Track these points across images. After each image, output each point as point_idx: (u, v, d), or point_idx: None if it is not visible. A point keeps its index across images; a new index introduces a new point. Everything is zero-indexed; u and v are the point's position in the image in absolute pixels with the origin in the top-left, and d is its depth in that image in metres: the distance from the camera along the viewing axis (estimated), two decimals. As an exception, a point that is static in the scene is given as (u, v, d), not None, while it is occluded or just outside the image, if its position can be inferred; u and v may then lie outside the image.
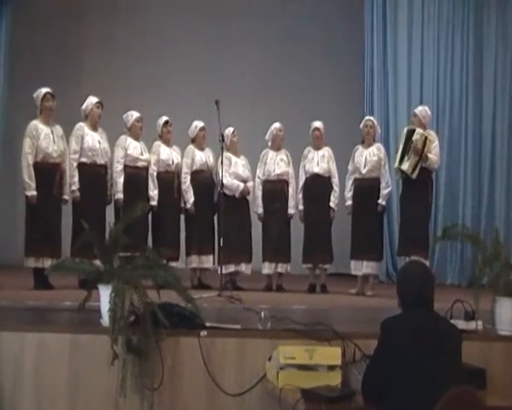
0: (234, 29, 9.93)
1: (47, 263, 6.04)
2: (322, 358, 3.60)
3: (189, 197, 6.97)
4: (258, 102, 9.77)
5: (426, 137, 6.66)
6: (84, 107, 6.65)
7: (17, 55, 8.95)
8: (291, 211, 7.15)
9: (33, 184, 6.21)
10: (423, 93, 8.98)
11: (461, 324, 3.88)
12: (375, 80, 8.98)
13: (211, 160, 7.17)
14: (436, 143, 6.84)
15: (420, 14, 9.07)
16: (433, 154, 6.73)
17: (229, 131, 7.12)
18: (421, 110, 7.00)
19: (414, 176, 6.65)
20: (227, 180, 6.87)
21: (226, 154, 6.95)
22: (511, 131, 8.87)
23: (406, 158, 6.66)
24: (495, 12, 8.98)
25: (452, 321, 3.58)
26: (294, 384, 3.41)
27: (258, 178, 7.20)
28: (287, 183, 7.18)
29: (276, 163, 7.17)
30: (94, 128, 6.65)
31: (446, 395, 2.79)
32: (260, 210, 7.17)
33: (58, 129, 6.45)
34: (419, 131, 6.67)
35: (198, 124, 7.18)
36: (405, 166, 6.66)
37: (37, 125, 6.31)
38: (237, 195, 7.03)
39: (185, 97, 9.32)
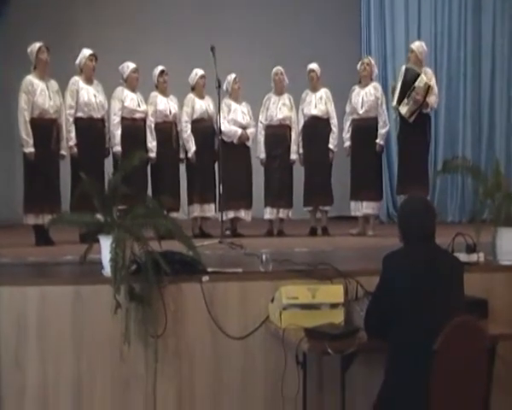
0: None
1: (47, 219, 5.98)
2: (324, 296, 3.61)
3: (191, 146, 6.92)
4: (256, 47, 9.61)
5: (429, 86, 6.56)
6: (77, 61, 6.55)
7: (11, 9, 8.79)
8: (293, 156, 7.12)
9: (31, 141, 6.14)
10: (421, 30, 8.88)
11: (462, 256, 3.88)
12: (371, 19, 8.88)
13: (211, 108, 7.09)
14: (433, 80, 6.76)
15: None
16: (433, 97, 6.66)
17: (230, 77, 7.05)
18: (418, 46, 6.90)
19: (411, 120, 6.61)
20: (225, 127, 6.81)
21: (226, 100, 6.89)
22: (510, 65, 8.76)
23: (405, 101, 6.58)
24: None
25: (454, 254, 3.57)
26: (297, 324, 3.43)
27: (261, 123, 7.15)
28: (289, 128, 7.12)
29: (279, 108, 7.11)
30: (89, 81, 6.56)
31: (449, 325, 2.81)
32: (262, 155, 7.14)
33: (53, 84, 6.35)
34: (423, 78, 6.57)
35: (198, 71, 7.08)
36: (403, 110, 6.61)
37: (32, 80, 6.20)
38: (235, 141, 6.98)
39: (181, 46, 9.21)
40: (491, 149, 8.71)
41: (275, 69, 7.21)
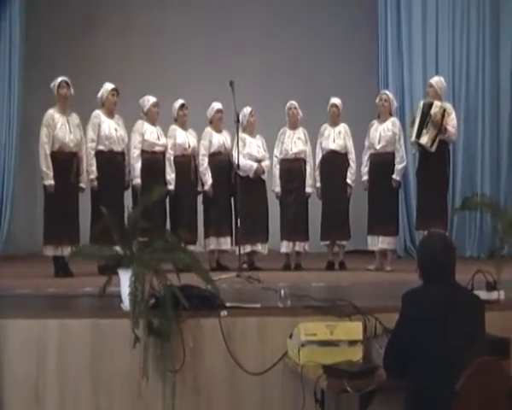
0: (247, 12, 9.86)
1: (66, 251, 6.11)
2: (343, 333, 3.59)
3: (207, 179, 6.97)
4: (273, 81, 9.70)
5: (444, 110, 6.59)
6: (99, 94, 6.66)
7: (33, 45, 8.99)
8: (308, 190, 7.13)
9: (51, 174, 6.25)
10: (439, 66, 8.85)
11: (483, 294, 3.83)
12: (389, 54, 8.88)
13: (228, 142, 7.15)
14: (453, 115, 6.78)
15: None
16: (451, 126, 6.67)
17: (246, 110, 7.10)
18: (438, 81, 6.90)
19: (433, 149, 6.59)
20: (241, 161, 6.85)
21: (241, 135, 6.92)
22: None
23: (425, 131, 6.59)
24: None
25: (474, 292, 3.54)
26: (316, 361, 3.41)
27: (276, 156, 7.18)
28: (304, 161, 7.15)
29: (294, 142, 7.15)
30: (110, 115, 6.66)
31: (471, 366, 2.77)
32: (278, 189, 7.16)
33: (74, 117, 6.47)
34: (437, 103, 6.60)
35: (215, 105, 7.15)
36: (424, 139, 6.59)
37: (53, 114, 6.33)
38: (251, 175, 7.02)
39: (200, 80, 9.29)
40: (510, 184, 8.64)
41: (289, 103, 7.26)
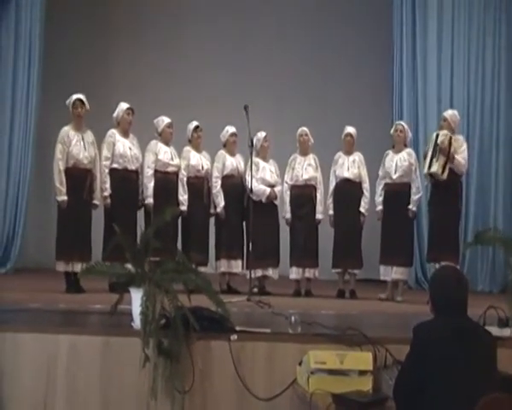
0: (260, 34, 9.96)
1: (77, 267, 6.16)
2: (353, 363, 3.58)
3: (220, 201, 7.00)
4: (286, 106, 9.77)
5: (451, 137, 6.62)
6: (115, 114, 6.73)
7: (50, 63, 9.09)
8: (319, 216, 7.14)
9: (64, 190, 6.31)
10: (453, 97, 8.89)
11: (494, 330, 3.80)
12: (404, 84, 8.92)
13: (241, 165, 7.19)
14: (464, 147, 6.79)
15: (450, 19, 8.97)
16: (461, 157, 6.69)
17: (261, 134, 7.15)
18: (452, 115, 6.94)
19: (444, 176, 6.60)
20: (254, 185, 6.87)
21: (255, 159, 6.94)
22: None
23: (435, 160, 6.62)
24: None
25: (485, 328, 3.52)
26: (325, 389, 3.40)
27: (286, 183, 7.21)
28: (314, 188, 7.17)
29: (304, 168, 7.17)
30: (125, 134, 6.72)
31: (481, 403, 2.75)
32: (288, 215, 7.18)
33: (89, 135, 6.54)
34: (443, 132, 6.63)
35: (229, 129, 7.21)
36: (435, 167, 6.62)
37: (68, 131, 6.41)
38: (264, 200, 7.04)
39: (215, 103, 9.37)
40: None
41: (300, 130, 7.30)
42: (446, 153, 6.56)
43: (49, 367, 3.72)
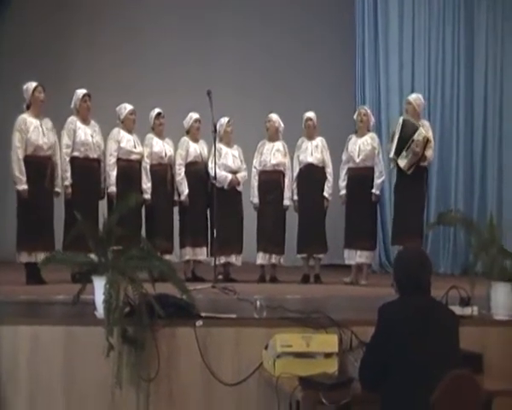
0: (223, 20, 9.89)
1: (40, 257, 5.96)
2: (318, 345, 3.59)
3: (184, 189, 6.94)
4: (251, 92, 9.72)
5: (427, 140, 6.64)
6: (72, 104, 6.59)
7: (6, 53, 8.88)
8: (286, 202, 7.14)
9: (24, 178, 6.15)
10: (415, 82, 8.99)
11: (457, 310, 3.84)
12: (366, 69, 8.98)
13: (205, 151, 7.14)
14: (430, 133, 6.83)
15: (411, 7, 9.05)
16: (430, 153, 6.74)
17: (224, 120, 7.10)
18: (416, 98, 6.98)
19: (409, 172, 6.65)
20: (217, 172, 6.83)
21: (218, 145, 6.88)
22: (502, 119, 8.89)
23: (404, 154, 6.63)
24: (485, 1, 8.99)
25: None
26: (291, 372, 3.40)
27: (255, 168, 7.19)
28: (283, 173, 7.16)
29: (273, 153, 7.16)
30: (86, 121, 6.60)
31: (445, 379, 2.80)
32: (256, 200, 7.16)
33: (47, 122, 6.38)
34: (421, 132, 6.62)
35: (193, 115, 7.14)
36: (402, 163, 6.64)
37: (25, 118, 6.25)
38: (226, 186, 7.00)
39: (177, 89, 9.27)
40: (482, 201, 8.76)
41: (268, 116, 7.29)
42: (419, 156, 6.60)
43: (11, 359, 3.66)
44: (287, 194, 7.13)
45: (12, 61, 9.07)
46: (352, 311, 4.78)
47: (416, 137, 6.61)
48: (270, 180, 7.13)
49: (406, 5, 9.06)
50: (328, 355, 3.59)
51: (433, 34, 9.04)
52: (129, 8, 9.81)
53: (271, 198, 7.10)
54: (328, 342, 3.63)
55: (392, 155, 6.78)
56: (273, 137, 7.24)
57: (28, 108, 6.32)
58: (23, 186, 6.15)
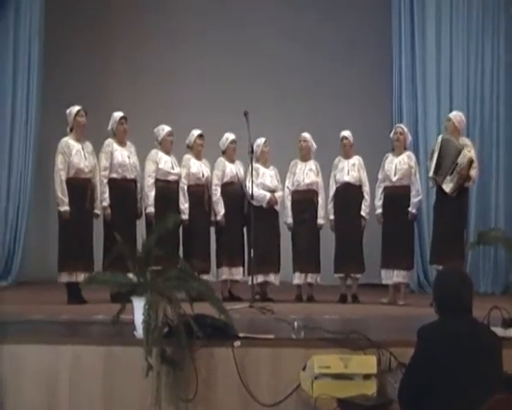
0: (262, 42, 9.93)
1: (80, 277, 6.14)
2: (357, 367, 3.57)
3: (220, 209, 6.99)
4: (286, 112, 9.75)
5: (472, 161, 6.57)
6: (109, 126, 6.72)
7: (48, 75, 9.09)
8: (320, 221, 7.13)
9: (66, 200, 6.30)
10: (453, 99, 8.86)
11: (499, 331, 3.78)
12: (403, 87, 8.90)
13: (241, 172, 7.19)
14: (473, 151, 6.73)
15: (448, 20, 8.94)
16: (474, 173, 6.65)
17: (260, 140, 7.14)
18: (456, 115, 6.91)
19: (454, 195, 6.58)
20: (254, 191, 6.86)
21: (255, 165, 6.93)
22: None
23: (449, 178, 6.55)
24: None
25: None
26: (329, 394, 3.39)
27: (288, 188, 7.20)
28: (316, 193, 7.16)
29: (305, 173, 7.17)
30: (122, 143, 6.72)
31: (487, 403, 2.73)
32: (290, 220, 7.16)
33: (88, 145, 6.55)
34: (465, 153, 6.55)
35: (229, 136, 7.20)
36: (448, 188, 6.56)
37: (68, 141, 6.42)
38: (264, 205, 7.03)
39: (214, 110, 9.34)
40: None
41: (301, 136, 7.31)
42: (464, 177, 6.54)
43: (52, 378, 3.71)
44: (320, 213, 7.12)
45: (54, 85, 9.27)
46: (390, 331, 4.74)
47: (460, 160, 6.54)
48: (304, 200, 7.14)
49: (444, 21, 8.91)
50: (366, 377, 3.56)
51: (471, 47, 8.89)
52: (169, 31, 9.93)
53: (305, 218, 7.10)
54: (366, 363, 3.61)
55: (431, 173, 6.71)
56: (306, 157, 7.26)
57: (71, 130, 6.47)
58: (65, 208, 6.29)
